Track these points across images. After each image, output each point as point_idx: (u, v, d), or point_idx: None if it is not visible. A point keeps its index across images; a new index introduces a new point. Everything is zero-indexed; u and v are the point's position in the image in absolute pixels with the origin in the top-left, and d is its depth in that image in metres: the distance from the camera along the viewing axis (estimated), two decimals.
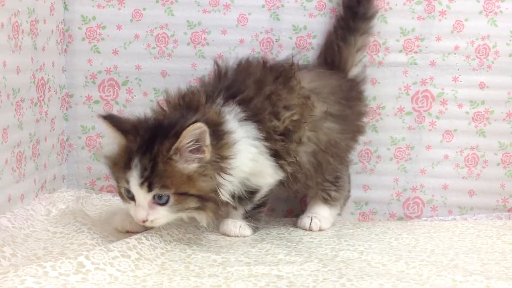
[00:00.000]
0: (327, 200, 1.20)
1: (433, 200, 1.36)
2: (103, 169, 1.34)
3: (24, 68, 1.12)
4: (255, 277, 0.82)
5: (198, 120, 0.90)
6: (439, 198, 1.36)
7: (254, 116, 1.03)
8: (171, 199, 0.92)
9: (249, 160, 1.01)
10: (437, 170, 1.35)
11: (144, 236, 0.93)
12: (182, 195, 0.92)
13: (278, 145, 1.05)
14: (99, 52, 1.34)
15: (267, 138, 1.03)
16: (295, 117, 1.07)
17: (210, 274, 0.83)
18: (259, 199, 1.10)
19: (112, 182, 1.33)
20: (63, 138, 1.34)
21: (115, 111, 1.34)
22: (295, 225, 1.20)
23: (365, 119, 1.28)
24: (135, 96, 1.35)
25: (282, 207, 1.35)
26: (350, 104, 1.19)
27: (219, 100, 1.03)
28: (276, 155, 1.05)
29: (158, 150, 0.91)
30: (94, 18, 1.32)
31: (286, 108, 1.06)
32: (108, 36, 1.33)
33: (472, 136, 1.33)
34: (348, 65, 1.26)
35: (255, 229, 1.11)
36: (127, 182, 0.92)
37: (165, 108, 1.04)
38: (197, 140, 0.91)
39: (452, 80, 1.32)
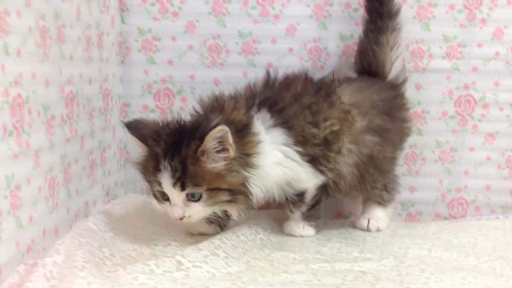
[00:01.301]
0: (381, 203, 1.25)
1: (476, 200, 1.41)
2: None
3: (94, 79, 1.18)
4: (340, 272, 0.87)
5: (219, 123, 0.94)
6: (482, 199, 1.41)
7: (285, 123, 1.07)
8: (204, 195, 0.95)
9: (275, 164, 1.05)
10: (480, 171, 1.40)
11: (224, 237, 0.99)
12: (214, 190, 0.96)
13: (317, 150, 1.08)
14: (154, 63, 1.39)
15: (302, 143, 1.07)
16: (335, 128, 1.10)
17: (296, 270, 0.88)
18: (310, 200, 1.14)
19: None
20: (121, 145, 1.40)
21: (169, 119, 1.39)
22: (351, 226, 1.24)
23: (409, 123, 1.32)
24: (189, 104, 1.40)
25: (332, 209, 1.40)
26: (393, 115, 1.23)
27: (254, 108, 1.08)
28: (314, 160, 1.09)
29: (186, 152, 0.94)
30: (150, 30, 1.38)
31: (325, 120, 1.10)
32: (163, 47, 1.38)
33: None
34: (386, 67, 1.29)
35: (316, 228, 1.16)
36: (159, 184, 0.96)
37: (200, 111, 1.09)
38: (220, 141, 0.95)
39: (493, 85, 1.37)
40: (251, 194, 1.01)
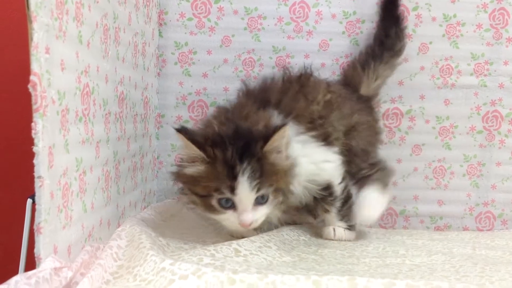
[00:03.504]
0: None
1: (504, 214, 1.44)
2: None
3: (138, 85, 1.21)
4: (393, 265, 0.89)
5: (285, 123, 0.97)
6: (509, 212, 1.44)
7: (289, 114, 1.09)
8: (270, 197, 0.96)
9: (299, 157, 1.05)
10: (507, 185, 1.43)
11: (271, 234, 1.00)
12: (278, 190, 0.98)
13: (324, 127, 1.11)
14: (190, 75, 1.43)
15: (312, 128, 1.10)
16: (327, 97, 1.16)
17: (349, 263, 0.90)
18: (341, 193, 1.13)
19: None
20: (155, 155, 1.42)
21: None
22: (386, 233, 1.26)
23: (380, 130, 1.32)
24: None
25: None
26: (363, 111, 1.26)
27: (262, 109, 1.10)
28: (326, 139, 1.11)
29: (260, 153, 0.94)
30: (186, 44, 1.42)
31: (317, 95, 1.16)
32: (199, 60, 1.43)
33: None
34: (360, 88, 1.33)
35: (355, 232, 1.15)
36: (232, 190, 0.93)
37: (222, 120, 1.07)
38: (286, 139, 0.98)
39: None
40: (292, 193, 1.03)
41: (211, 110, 1.43)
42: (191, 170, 0.96)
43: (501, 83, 1.42)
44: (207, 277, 0.67)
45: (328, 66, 1.42)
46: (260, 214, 0.96)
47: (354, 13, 1.41)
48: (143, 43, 1.24)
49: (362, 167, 1.19)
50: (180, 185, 1.02)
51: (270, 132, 0.95)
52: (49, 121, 0.68)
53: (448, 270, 0.85)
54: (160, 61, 1.42)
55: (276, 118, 1.06)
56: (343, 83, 1.34)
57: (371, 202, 1.15)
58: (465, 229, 1.43)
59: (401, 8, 1.39)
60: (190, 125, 1.42)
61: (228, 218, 0.96)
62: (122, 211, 1.06)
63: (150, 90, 1.34)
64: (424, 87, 1.41)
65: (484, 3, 1.40)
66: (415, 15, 1.40)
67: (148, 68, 1.31)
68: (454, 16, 1.40)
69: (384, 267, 0.87)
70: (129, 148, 1.13)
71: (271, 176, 0.96)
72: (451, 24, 1.40)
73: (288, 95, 1.13)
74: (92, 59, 0.87)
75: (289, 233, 1.08)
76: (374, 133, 1.27)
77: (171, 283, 0.66)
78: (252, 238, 0.94)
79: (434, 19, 1.40)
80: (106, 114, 0.95)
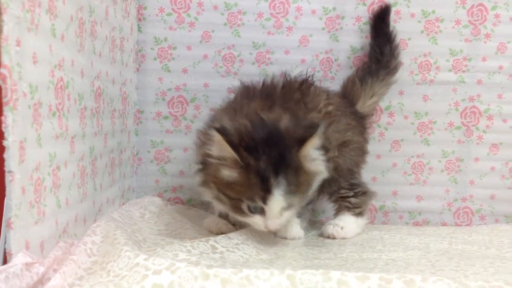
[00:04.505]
0: (349, 208, 1.20)
1: (482, 210, 1.45)
2: (170, 181, 1.43)
3: (116, 80, 1.20)
4: (369, 260, 0.89)
5: (318, 124, 0.95)
6: (487, 208, 1.45)
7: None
8: (296, 202, 0.96)
9: None
10: (485, 181, 1.45)
11: (250, 232, 1.00)
12: (303, 196, 0.98)
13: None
14: (169, 71, 1.42)
15: None
16: (328, 109, 1.16)
17: (326, 258, 0.90)
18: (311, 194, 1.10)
19: (179, 194, 1.42)
20: (134, 152, 1.41)
21: (183, 126, 1.42)
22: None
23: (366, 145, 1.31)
24: (202, 111, 1.43)
25: None
26: (360, 129, 1.27)
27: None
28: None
29: (297, 160, 0.93)
30: (165, 39, 1.41)
31: (318, 104, 1.15)
32: (178, 56, 1.42)
33: None
34: (357, 104, 1.33)
35: (305, 230, 1.13)
36: (264, 201, 0.92)
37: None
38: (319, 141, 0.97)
39: (497, 97, 1.43)
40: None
41: (191, 106, 1.43)
42: (224, 172, 0.94)
43: (479, 79, 1.43)
44: (181, 271, 0.66)
45: (308, 62, 1.42)
46: (285, 219, 0.97)
47: (334, 9, 1.42)
48: (121, 38, 1.23)
49: (342, 186, 1.19)
50: (203, 178, 1.00)
51: (306, 134, 0.94)
52: (20, 115, 0.67)
53: (424, 264, 0.85)
54: (139, 56, 1.41)
55: (288, 121, 1.02)
56: (342, 95, 1.32)
57: (347, 225, 1.16)
58: (444, 224, 1.44)
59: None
60: (169, 122, 1.42)
61: (255, 222, 0.96)
62: (99, 208, 1.05)
63: (128, 86, 1.33)
64: (403, 83, 1.42)
65: None
66: (394, 11, 1.40)
67: (126, 64, 1.29)
68: (433, 12, 1.41)
69: (360, 261, 0.88)
70: (107, 144, 1.12)
71: (303, 185, 0.96)
72: (430, 20, 1.41)
73: (290, 102, 1.12)
74: (67, 53, 0.86)
75: (265, 233, 1.07)
76: (361, 154, 1.26)
77: (145, 278, 0.66)
78: (230, 235, 0.94)
79: (413, 15, 1.41)
80: (81, 109, 0.94)
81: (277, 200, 0.91)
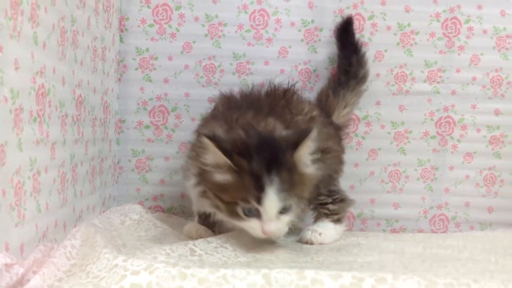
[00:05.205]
0: (328, 214, 1.21)
1: (457, 217, 1.48)
2: (151, 190, 1.45)
3: (98, 89, 1.21)
4: (345, 263, 0.91)
5: (312, 127, 0.97)
6: (462, 215, 1.48)
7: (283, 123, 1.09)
8: (293, 206, 0.96)
9: None
10: (459, 189, 1.48)
11: (229, 235, 1.01)
12: (301, 199, 0.99)
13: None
14: (151, 81, 1.44)
15: None
16: (313, 113, 1.19)
17: (303, 261, 0.92)
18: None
19: (160, 203, 1.43)
20: (115, 160, 1.42)
21: (164, 135, 1.44)
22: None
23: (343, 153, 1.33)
24: (183, 121, 1.45)
25: None
26: (337, 139, 1.31)
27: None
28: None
29: (291, 162, 0.94)
30: (147, 49, 1.43)
31: (303, 109, 1.18)
32: (160, 66, 1.44)
33: (490, 158, 1.48)
34: (333, 116, 1.36)
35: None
36: (258, 201, 0.92)
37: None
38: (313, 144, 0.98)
39: (471, 107, 1.47)
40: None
41: (172, 116, 1.44)
42: (218, 177, 0.95)
43: (453, 90, 1.47)
44: (159, 272, 0.68)
45: (287, 72, 1.45)
46: (283, 223, 0.96)
47: (313, 21, 1.45)
48: (102, 47, 1.25)
49: (321, 192, 1.21)
50: (202, 189, 1.01)
51: (300, 138, 0.95)
52: (1, 119, 0.68)
53: (397, 266, 0.88)
54: (121, 66, 1.43)
55: (279, 127, 1.04)
56: (319, 107, 1.34)
57: (325, 231, 1.18)
58: (420, 231, 1.47)
59: (356, 32, 1.42)
60: (151, 131, 1.44)
61: (251, 226, 0.96)
62: (79, 214, 1.06)
63: (110, 95, 1.34)
64: (380, 93, 1.45)
65: (437, 12, 1.45)
66: (371, 24, 1.44)
67: (108, 73, 1.31)
68: (408, 25, 1.45)
69: (336, 264, 0.90)
70: (87, 152, 1.13)
71: (298, 186, 0.96)
72: (405, 33, 1.45)
73: (277, 108, 1.14)
74: (48, 61, 0.87)
75: (246, 235, 1.09)
76: (339, 162, 1.28)
77: (123, 279, 0.67)
78: (209, 238, 0.95)
79: (389, 28, 1.45)
80: (62, 116, 0.95)
81: (272, 199, 0.91)
